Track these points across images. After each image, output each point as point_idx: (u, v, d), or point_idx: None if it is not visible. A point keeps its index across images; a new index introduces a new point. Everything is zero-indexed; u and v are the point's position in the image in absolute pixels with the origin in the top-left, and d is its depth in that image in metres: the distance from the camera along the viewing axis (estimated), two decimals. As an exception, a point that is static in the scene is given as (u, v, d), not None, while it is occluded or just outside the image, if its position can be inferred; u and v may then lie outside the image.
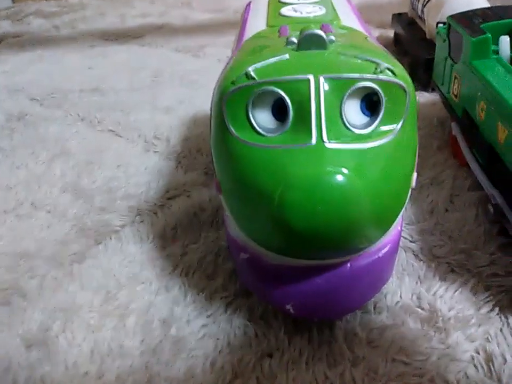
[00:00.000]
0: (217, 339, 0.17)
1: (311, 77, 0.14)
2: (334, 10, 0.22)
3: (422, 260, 0.20)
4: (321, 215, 0.13)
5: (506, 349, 0.16)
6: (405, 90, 0.15)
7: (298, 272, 0.16)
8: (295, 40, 0.15)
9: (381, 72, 0.14)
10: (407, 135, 0.15)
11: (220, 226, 0.23)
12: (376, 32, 0.47)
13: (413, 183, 0.16)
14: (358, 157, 0.14)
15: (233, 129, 0.15)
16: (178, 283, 0.20)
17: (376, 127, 0.14)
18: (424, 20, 0.36)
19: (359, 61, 0.14)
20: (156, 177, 0.27)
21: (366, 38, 0.18)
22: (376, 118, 0.14)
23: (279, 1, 0.23)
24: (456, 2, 0.31)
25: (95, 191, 0.26)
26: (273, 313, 0.18)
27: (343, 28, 0.19)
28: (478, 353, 0.16)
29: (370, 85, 0.14)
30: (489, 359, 0.16)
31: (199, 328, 0.18)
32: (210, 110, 0.16)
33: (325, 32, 0.17)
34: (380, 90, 0.14)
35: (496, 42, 0.23)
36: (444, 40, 0.27)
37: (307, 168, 0.13)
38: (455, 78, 0.25)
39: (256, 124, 0.14)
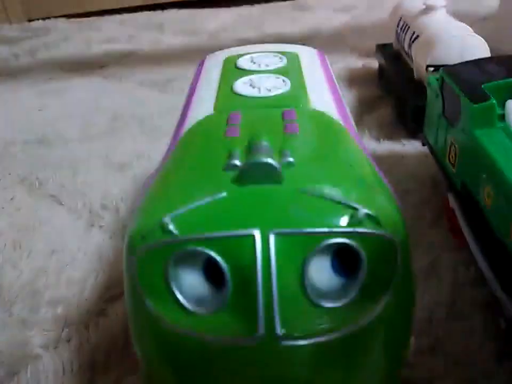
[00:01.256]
0: None
1: (256, 233, 0.09)
2: (302, 83, 0.17)
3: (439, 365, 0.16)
4: None
5: None
6: (394, 244, 0.10)
7: None
8: (238, 163, 0.11)
9: (359, 222, 0.10)
10: (399, 303, 0.10)
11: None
12: (359, 63, 0.43)
13: (409, 353, 0.11)
14: (326, 351, 0.09)
15: (149, 301, 0.10)
16: None
17: (354, 298, 0.10)
18: (412, 57, 0.32)
19: (328, 204, 0.10)
20: (96, 268, 0.22)
21: (343, 135, 0.14)
22: (354, 283, 0.10)
23: (236, 66, 0.19)
24: (448, 44, 0.27)
25: (16, 293, 0.21)
26: None
27: (312, 116, 0.15)
28: None
29: (344, 241, 0.10)
30: None
31: None
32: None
33: (286, 127, 0.13)
34: (357, 246, 0.10)
35: (502, 105, 0.19)
36: (437, 96, 0.23)
37: (253, 376, 0.09)
38: (452, 143, 0.21)
39: (183, 292, 0.10)
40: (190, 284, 0.10)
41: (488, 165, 0.17)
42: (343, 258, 0.10)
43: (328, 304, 0.10)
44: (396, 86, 0.33)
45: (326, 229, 0.10)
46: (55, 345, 0.19)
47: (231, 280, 0.10)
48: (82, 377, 0.17)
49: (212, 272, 0.10)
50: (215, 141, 0.13)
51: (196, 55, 0.53)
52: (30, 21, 0.73)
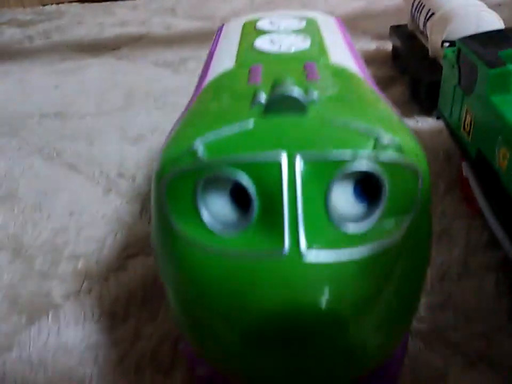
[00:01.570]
0: None
1: (283, 157, 0.10)
2: (322, 41, 0.17)
3: (433, 350, 0.16)
4: (297, 356, 0.09)
5: None
6: (416, 172, 0.10)
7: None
8: (262, 100, 0.11)
9: (382, 148, 0.10)
10: (418, 230, 0.11)
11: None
12: (373, 45, 0.43)
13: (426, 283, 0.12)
14: (349, 271, 0.10)
15: (177, 225, 0.10)
16: (127, 383, 0.16)
17: (376, 222, 0.10)
18: (427, 35, 0.32)
19: (352, 132, 0.10)
20: (114, 229, 0.23)
21: (362, 84, 0.14)
22: (375, 209, 0.10)
23: (255, 28, 0.19)
24: (464, 18, 0.27)
25: (37, 249, 0.22)
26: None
27: (332, 69, 0.15)
28: None
29: (367, 168, 0.10)
30: None
31: None
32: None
33: (307, 76, 0.13)
34: (380, 174, 0.10)
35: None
36: (453, 66, 0.23)
37: (278, 291, 0.09)
38: (467, 112, 0.21)
39: (211, 216, 0.10)
40: (217, 207, 0.10)
41: (505, 127, 0.18)
42: (366, 186, 0.10)
43: (351, 228, 0.10)
44: (410, 65, 0.33)
45: (350, 155, 0.10)
46: (76, 295, 0.19)
47: (257, 202, 0.10)
48: (102, 325, 0.18)
49: (238, 197, 0.10)
50: (239, 87, 0.13)
51: (207, 38, 0.53)
52: (43, 5, 0.74)
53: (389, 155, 0.10)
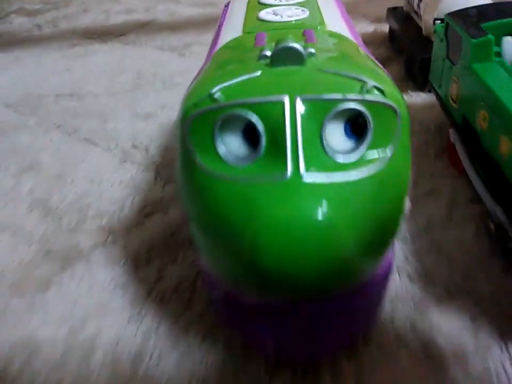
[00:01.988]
0: (191, 376, 0.16)
1: (285, 98, 0.12)
2: (319, 13, 0.19)
3: (417, 284, 0.18)
4: (299, 258, 0.11)
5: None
6: (395, 112, 0.13)
7: (279, 310, 0.14)
8: (268, 53, 0.13)
9: (367, 91, 0.12)
10: (399, 161, 0.13)
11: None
12: (371, 27, 0.45)
13: (406, 210, 0.14)
14: (341, 191, 0.12)
15: (198, 158, 0.13)
16: (151, 313, 0.18)
17: (362, 153, 0.12)
18: (420, 15, 0.33)
19: (342, 78, 0.12)
20: (131, 193, 0.25)
21: (354, 46, 0.16)
22: (362, 143, 0.12)
23: (259, 3, 0.21)
24: (454, -3, 0.29)
25: (64, 210, 0.24)
26: (253, 350, 0.16)
27: (329, 34, 0.17)
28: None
29: (355, 107, 0.12)
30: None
31: (171, 365, 0.16)
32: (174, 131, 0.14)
33: (306, 39, 0.15)
34: (366, 112, 0.12)
35: (499, 43, 0.21)
36: (442, 40, 0.25)
37: (282, 206, 0.11)
38: (454, 81, 0.23)
39: (226, 150, 0.13)
40: (231, 144, 0.13)
41: (484, 91, 0.20)
42: (354, 125, 0.13)
43: (342, 158, 0.12)
44: (405, 44, 0.35)
45: (340, 96, 0.12)
46: (102, 246, 0.22)
47: (264, 137, 0.12)
48: (128, 268, 0.20)
49: (249, 136, 0.13)
50: (247, 48, 0.16)
51: (211, 24, 0.55)
52: (49, -5, 0.75)
53: (373, 96, 0.12)
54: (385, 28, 0.42)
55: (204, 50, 0.22)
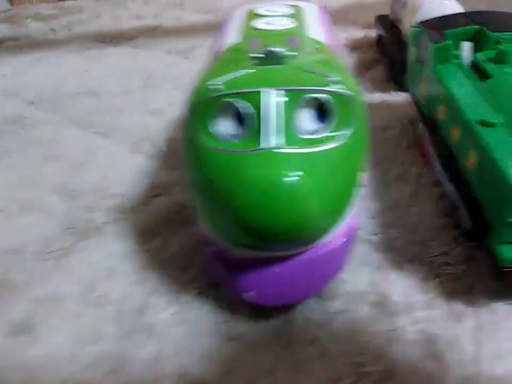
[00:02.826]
0: (187, 325, 0.19)
1: (267, 90, 0.16)
2: (305, 23, 0.23)
3: (380, 252, 0.22)
4: (275, 213, 0.15)
5: (447, 331, 0.18)
6: (353, 100, 0.16)
7: (260, 263, 0.18)
8: (258, 56, 0.17)
9: (331, 84, 0.16)
10: (356, 140, 0.17)
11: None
12: (362, 33, 0.48)
13: (362, 182, 0.17)
14: (307, 160, 0.15)
15: (198, 136, 0.16)
16: (154, 276, 0.22)
17: (327, 134, 0.16)
18: (402, 22, 0.37)
19: (313, 75, 0.16)
20: (141, 177, 0.29)
21: (328, 50, 0.20)
22: (327, 125, 0.16)
23: (255, 14, 0.25)
24: (429, 8, 0.32)
25: (82, 192, 0.28)
26: (238, 303, 0.20)
27: (308, 40, 0.21)
28: (422, 336, 0.18)
29: (321, 96, 0.16)
30: (431, 340, 0.17)
31: (171, 316, 0.19)
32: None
33: (291, 44, 0.19)
34: (330, 100, 0.16)
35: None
36: (415, 46, 0.28)
37: (260, 170, 0.15)
38: (423, 81, 0.27)
39: (221, 131, 0.16)
40: (226, 126, 0.16)
41: (442, 88, 0.23)
42: (323, 112, 0.16)
43: (310, 136, 0.16)
44: (389, 48, 0.38)
45: (309, 87, 0.16)
46: (115, 221, 0.25)
47: (250, 120, 0.16)
48: (137, 239, 0.24)
49: (240, 119, 0.16)
50: (243, 52, 0.20)
51: (213, 29, 0.59)
52: (62, 0, 0.80)
53: (335, 88, 0.16)
54: (373, 33, 0.46)
55: (206, 54, 0.26)
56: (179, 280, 0.21)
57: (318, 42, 0.22)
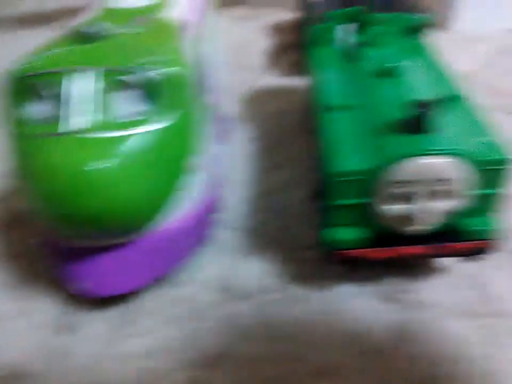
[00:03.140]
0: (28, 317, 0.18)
1: (70, 69, 0.15)
2: (164, 1, 0.21)
3: (245, 237, 0.21)
4: (75, 201, 0.14)
5: (284, 312, 0.18)
6: (181, 80, 0.16)
7: (89, 252, 0.17)
8: (78, 34, 0.16)
9: (154, 64, 0.15)
10: (181, 123, 0.16)
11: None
12: (289, 16, 0.47)
13: (191, 167, 0.17)
14: (118, 144, 0.14)
15: (10, 121, 0.15)
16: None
17: (143, 116, 0.15)
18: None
19: (131, 55, 0.15)
20: None
21: (172, 31, 0.19)
22: (150, 108, 0.15)
23: None
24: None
25: None
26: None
27: (155, 20, 0.19)
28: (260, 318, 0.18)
29: (148, 75, 0.15)
30: (268, 323, 0.17)
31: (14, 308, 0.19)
32: None
33: (133, 24, 0.18)
34: (158, 80, 0.15)
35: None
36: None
37: (58, 157, 0.14)
38: (306, 65, 0.26)
39: (30, 112, 0.15)
40: (37, 109, 0.15)
41: (311, 72, 0.23)
42: (148, 92, 0.15)
43: (124, 119, 0.15)
44: (301, 32, 0.38)
45: (122, 67, 0.15)
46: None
47: (56, 101, 0.15)
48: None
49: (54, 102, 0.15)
50: (74, 31, 0.18)
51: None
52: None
53: (158, 69, 0.15)
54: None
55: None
56: (27, 274, 0.20)
57: (164, 22, 0.20)
